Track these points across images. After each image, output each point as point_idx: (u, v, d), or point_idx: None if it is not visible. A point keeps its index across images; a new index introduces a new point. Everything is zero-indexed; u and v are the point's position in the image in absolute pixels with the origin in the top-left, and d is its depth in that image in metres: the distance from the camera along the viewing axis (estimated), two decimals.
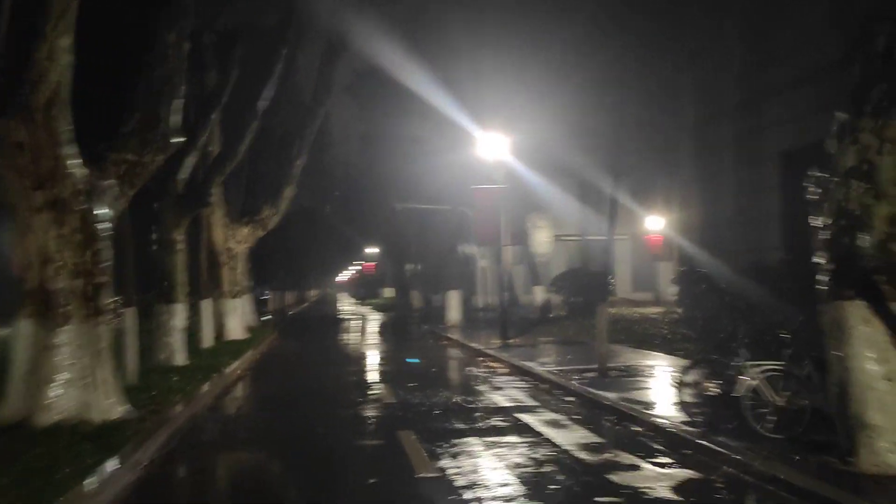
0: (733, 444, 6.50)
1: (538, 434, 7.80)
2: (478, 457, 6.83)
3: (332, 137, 46.55)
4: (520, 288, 42.77)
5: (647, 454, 6.82)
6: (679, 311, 18.93)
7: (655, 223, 35.77)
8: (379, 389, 11.44)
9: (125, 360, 10.59)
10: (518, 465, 6.47)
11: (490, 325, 24.64)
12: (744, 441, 6.56)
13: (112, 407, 7.72)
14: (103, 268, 7.91)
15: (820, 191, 6.30)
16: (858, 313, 5.67)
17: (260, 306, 46.58)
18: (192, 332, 17.29)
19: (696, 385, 7.67)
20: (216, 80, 15.16)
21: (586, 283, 25.75)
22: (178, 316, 13.63)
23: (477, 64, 22.79)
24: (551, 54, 24.08)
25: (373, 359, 16.41)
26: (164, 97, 8.56)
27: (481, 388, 11.42)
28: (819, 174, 6.39)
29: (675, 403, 8.29)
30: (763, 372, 6.78)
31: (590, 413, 9.00)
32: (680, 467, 6.34)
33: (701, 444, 6.72)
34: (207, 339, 16.88)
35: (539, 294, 38.10)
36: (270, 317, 36.46)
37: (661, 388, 10.13)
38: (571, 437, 7.60)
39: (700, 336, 14.77)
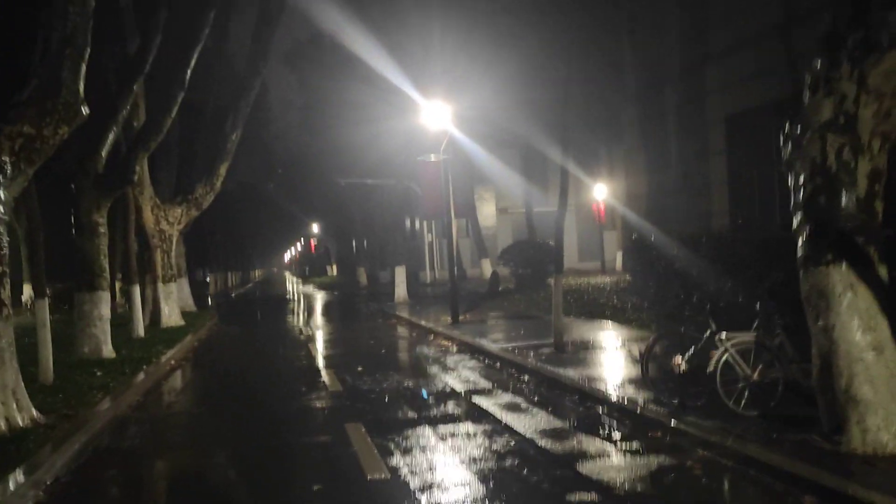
0: (706, 424, 6.04)
1: (497, 421, 7.23)
2: (434, 451, 6.21)
3: (271, 113, 45.05)
4: (467, 262, 42.31)
5: (616, 439, 6.32)
6: (629, 279, 18.72)
7: (600, 193, 35.73)
8: (325, 376, 10.73)
9: (40, 356, 9.62)
10: (478, 460, 5.88)
11: (439, 302, 24.10)
12: (716, 420, 6.11)
13: (15, 414, 6.83)
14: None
15: (791, 149, 5.82)
16: (843, 279, 5.21)
17: (201, 289, 45.16)
18: (125, 320, 16.30)
19: (660, 359, 7.21)
20: (138, 46, 13.96)
21: (534, 255, 25.41)
22: (103, 304, 12.61)
23: (420, 31, 21.92)
24: (494, 23, 23.37)
25: (318, 342, 15.64)
26: (66, 61, 7.54)
27: (433, 369, 10.82)
28: (789, 131, 5.90)
29: (640, 380, 7.84)
30: (735, 345, 6.32)
31: (550, 394, 8.49)
32: (653, 453, 5.84)
33: (672, 425, 6.24)
34: (140, 327, 15.84)
35: (487, 267, 37.69)
36: (210, 300, 35.16)
37: (622, 362, 9.70)
38: (533, 423, 7.05)
39: (652, 305, 14.48)
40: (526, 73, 22.35)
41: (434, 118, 16.22)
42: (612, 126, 24.62)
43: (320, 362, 12.42)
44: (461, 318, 16.63)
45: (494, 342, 12.52)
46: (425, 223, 45.74)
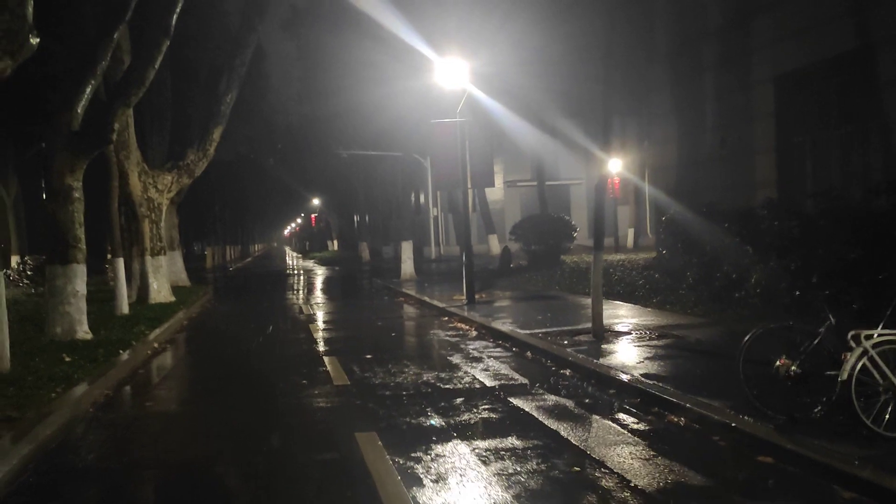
0: (839, 450, 4.54)
1: (548, 432, 5.76)
2: (476, 481, 4.73)
3: (269, 81, 43.20)
4: (474, 238, 40.49)
5: (724, 472, 4.76)
6: (659, 257, 17.19)
7: (615, 166, 34.03)
8: (329, 365, 9.25)
9: None
10: (540, 497, 4.41)
11: (447, 278, 22.62)
12: (848, 443, 4.63)
13: None
14: None
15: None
16: None
17: (197, 263, 43.76)
18: (109, 297, 14.84)
19: (763, 361, 5.69)
20: None
21: (548, 231, 23.87)
22: (77, 279, 11.11)
23: None
24: None
25: (319, 322, 14.16)
26: None
27: (455, 358, 9.34)
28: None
29: (714, 381, 6.36)
30: (877, 345, 4.82)
31: (602, 395, 7.01)
32: (781, 496, 4.34)
33: (789, 447, 4.74)
34: (124, 304, 14.38)
35: (494, 243, 36.18)
36: (207, 275, 33.70)
37: (686, 357, 8.19)
38: (596, 439, 5.57)
39: (693, 286, 12.98)
40: (538, 29, 20.63)
41: (450, 76, 14.59)
42: (633, 91, 22.91)
43: (322, 347, 10.94)
44: (477, 296, 15.15)
45: (520, 326, 11.04)
46: (430, 196, 44.16)
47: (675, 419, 5.91)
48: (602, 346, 9.06)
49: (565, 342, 9.44)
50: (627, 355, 8.33)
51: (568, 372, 8.10)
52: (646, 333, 9.74)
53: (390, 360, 9.29)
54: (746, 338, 5.45)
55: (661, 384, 6.69)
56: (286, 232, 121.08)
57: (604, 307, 9.87)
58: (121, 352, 9.85)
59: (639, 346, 8.93)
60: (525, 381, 7.79)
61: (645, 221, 43.68)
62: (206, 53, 21.64)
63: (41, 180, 19.71)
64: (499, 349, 9.96)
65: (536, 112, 28.84)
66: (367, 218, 47.63)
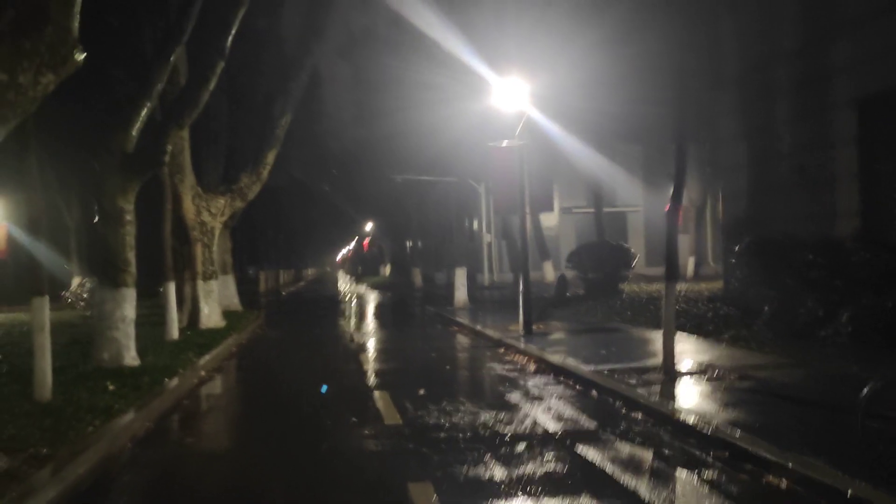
0: None
1: (627, 493, 5.06)
2: None
3: (324, 106, 43.59)
4: (520, 265, 40.05)
5: None
6: (728, 288, 16.21)
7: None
8: (380, 401, 8.70)
9: (35, 368, 7.86)
10: None
11: (501, 307, 21.96)
12: None
13: None
14: None
15: None
16: None
17: (250, 287, 44.04)
18: (161, 320, 14.65)
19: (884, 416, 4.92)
20: (176, 11, 12.22)
21: (606, 259, 23.02)
22: (126, 304, 10.87)
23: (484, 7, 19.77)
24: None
25: (370, 352, 13.67)
26: None
27: (514, 396, 8.69)
28: None
29: (815, 437, 5.58)
30: None
31: (684, 446, 6.26)
32: None
33: None
34: (174, 329, 14.16)
35: (549, 271, 35.36)
36: (260, 299, 33.73)
37: (774, 403, 7.36)
38: (685, 503, 4.86)
39: (771, 321, 12.04)
40: (597, 51, 20.00)
41: (508, 98, 14.08)
42: (696, 116, 22.00)
43: (373, 380, 10.41)
44: (534, 327, 14.46)
45: (582, 361, 10.32)
46: (484, 222, 43.61)
47: (775, 481, 5.14)
48: (676, 386, 8.29)
49: (633, 381, 8.70)
50: (706, 399, 7.55)
51: (639, 416, 7.37)
52: (723, 374, 8.91)
53: (444, 397, 8.69)
54: (866, 389, 4.68)
55: (751, 436, 5.92)
56: (339, 256, 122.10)
57: (678, 343, 9.11)
58: (166, 380, 9.50)
59: (717, 388, 8.13)
60: (593, 425, 7.10)
61: (705, 250, 42.32)
62: (262, 78, 21.68)
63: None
64: (560, 386, 9.27)
65: (594, 136, 28.17)
66: (419, 243, 47.32)
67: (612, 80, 19.39)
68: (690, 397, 7.70)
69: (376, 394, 9.14)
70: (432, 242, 46.02)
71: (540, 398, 8.53)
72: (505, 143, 13.94)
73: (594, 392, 8.68)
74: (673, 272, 9.12)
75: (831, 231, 14.24)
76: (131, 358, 10.79)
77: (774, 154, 16.82)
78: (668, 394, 7.89)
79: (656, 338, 12.91)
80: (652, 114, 25.66)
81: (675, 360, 9.10)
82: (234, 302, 22.59)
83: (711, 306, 16.53)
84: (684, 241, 36.00)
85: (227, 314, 20.00)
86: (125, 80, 12.96)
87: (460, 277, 23.01)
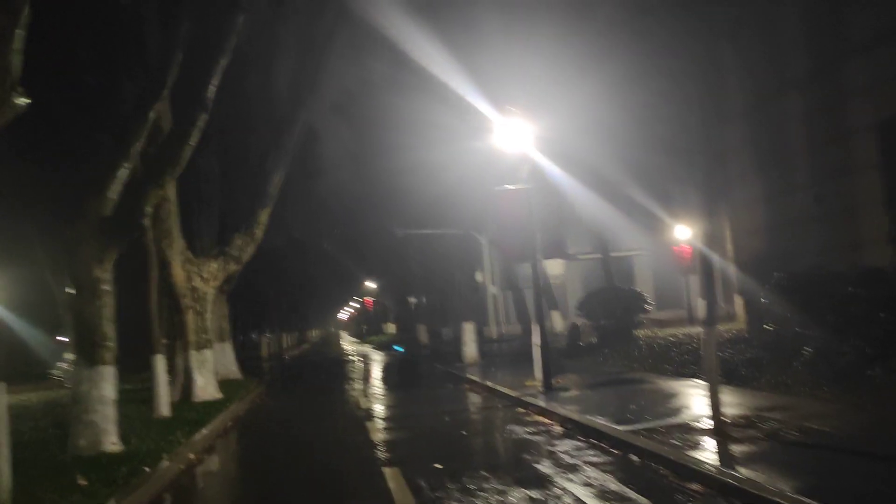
0: None
1: None
2: None
3: (322, 163, 43.12)
4: (533, 315, 38.94)
5: None
6: (756, 330, 15.11)
7: (683, 233, 32.06)
8: (391, 480, 7.59)
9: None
10: None
11: (513, 361, 20.85)
12: None
13: None
14: None
15: None
16: None
17: (252, 352, 42.82)
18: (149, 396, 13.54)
19: None
20: (156, 65, 11.50)
21: (618, 304, 21.94)
22: (105, 383, 9.83)
23: (478, 46, 19.13)
24: (566, 40, 20.56)
25: (379, 419, 12.51)
26: None
27: (544, 467, 7.57)
28: None
29: None
30: None
31: None
32: None
33: None
34: (163, 405, 13.07)
35: (557, 320, 34.19)
36: (263, 365, 32.51)
37: (858, 466, 6.28)
38: None
39: (811, 363, 10.94)
40: (598, 96, 19.39)
41: (511, 139, 13.31)
42: (703, 154, 21.25)
43: (382, 453, 9.29)
44: (553, 382, 13.35)
45: (613, 420, 9.22)
46: (488, 274, 42.65)
47: None
48: (731, 447, 7.20)
49: (678, 441, 7.62)
50: (775, 464, 6.44)
51: (697, 487, 6.26)
52: (778, 427, 7.81)
53: (465, 471, 7.58)
54: None
55: None
56: (343, 316, 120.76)
57: (700, 391, 8.04)
58: (146, 469, 8.38)
59: (779, 446, 7.04)
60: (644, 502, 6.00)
61: (714, 291, 41.20)
62: (254, 136, 21.04)
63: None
64: (595, 452, 8.15)
65: (596, 181, 27.44)
66: (423, 299, 46.22)
67: (616, 123, 18.70)
68: (753, 460, 6.61)
69: (386, 471, 8.02)
70: (436, 297, 44.97)
71: (574, 468, 7.42)
72: (510, 187, 13.09)
73: (634, 457, 7.57)
74: (712, 316, 8.19)
75: (857, 261, 13.28)
76: (111, 443, 9.69)
77: (789, 186, 15.98)
78: (727, 458, 6.79)
79: (688, 389, 11.84)
80: (655, 157, 24.99)
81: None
82: (233, 370, 21.46)
83: (737, 349, 15.40)
84: (693, 283, 34.96)
85: (226, 383, 18.88)
86: (104, 141, 12.22)
87: (469, 332, 21.93)
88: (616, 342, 20.41)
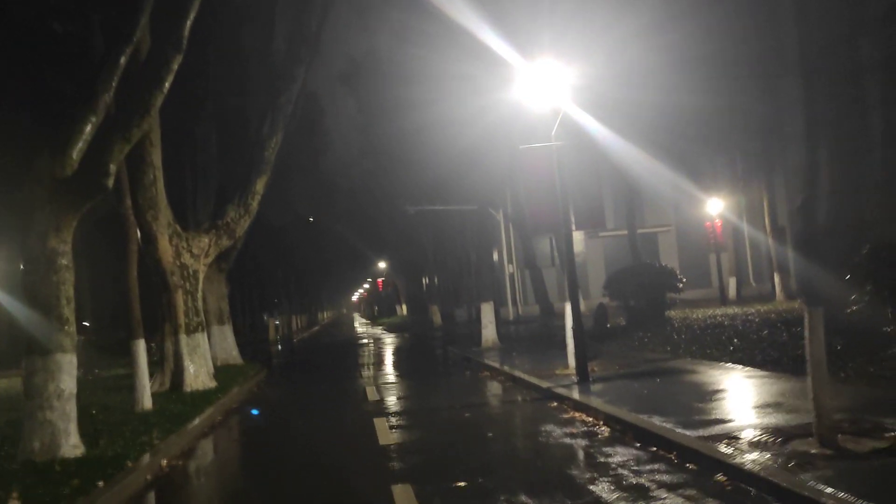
0: None
1: None
2: None
3: (329, 138, 41.52)
4: (554, 295, 37.08)
5: None
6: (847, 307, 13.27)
7: (714, 207, 30.15)
8: (406, 500, 5.93)
9: None
10: None
11: (536, 345, 19.18)
12: None
13: None
14: None
15: None
16: None
17: (260, 335, 41.41)
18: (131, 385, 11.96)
19: None
20: (127, 6, 9.78)
21: (649, 283, 20.17)
22: (63, 374, 8.25)
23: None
24: None
25: (389, 416, 10.83)
26: None
27: (599, 489, 5.87)
28: None
29: None
30: None
31: None
32: None
33: None
34: (145, 397, 11.49)
35: (580, 300, 32.48)
36: (270, 348, 31.05)
37: None
38: None
39: None
40: (629, 44, 17.35)
41: (538, 90, 11.49)
42: (752, 112, 19.27)
43: (392, 463, 7.61)
44: (590, 371, 11.61)
45: (677, 422, 7.49)
46: (505, 252, 40.90)
47: None
48: (845, 464, 5.47)
49: (774, 454, 5.90)
50: None
51: None
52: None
53: (495, 492, 5.91)
54: None
55: None
56: (354, 298, 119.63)
57: (769, 383, 6.30)
58: (101, 483, 6.75)
59: None
60: None
61: (746, 270, 39.18)
62: (254, 101, 19.38)
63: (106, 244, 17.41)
64: (662, 466, 6.43)
65: (620, 153, 25.53)
66: (436, 279, 44.53)
67: (653, 70, 16.71)
68: (886, 485, 4.88)
69: (396, 490, 6.33)
70: (450, 277, 43.28)
71: (642, 489, 5.72)
72: (541, 144, 11.30)
73: (722, 476, 5.84)
74: (815, 296, 6.40)
75: None
76: (72, 446, 8.12)
77: (860, 148, 14.04)
78: (850, 481, 5.05)
79: (750, 379, 10.06)
80: (686, 119, 23.06)
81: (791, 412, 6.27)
82: (234, 355, 19.94)
83: (794, 332, 13.56)
84: (724, 260, 33.05)
85: (224, 369, 17.40)
86: (67, 91, 10.57)
87: (487, 314, 20.21)
88: (647, 324, 18.70)
